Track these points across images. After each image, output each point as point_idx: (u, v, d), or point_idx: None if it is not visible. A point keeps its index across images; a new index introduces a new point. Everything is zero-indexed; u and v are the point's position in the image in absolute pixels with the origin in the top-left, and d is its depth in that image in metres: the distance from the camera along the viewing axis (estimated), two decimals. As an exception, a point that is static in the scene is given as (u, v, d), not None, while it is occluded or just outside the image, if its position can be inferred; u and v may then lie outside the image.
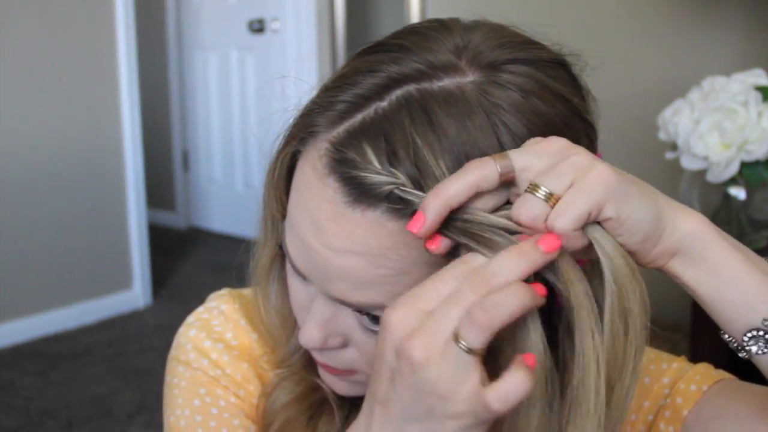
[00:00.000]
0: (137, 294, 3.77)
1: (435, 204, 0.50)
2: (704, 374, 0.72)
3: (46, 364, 3.13)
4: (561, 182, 0.50)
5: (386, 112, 0.55)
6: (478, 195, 0.51)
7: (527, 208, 0.50)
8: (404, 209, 0.53)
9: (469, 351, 0.46)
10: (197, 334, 0.77)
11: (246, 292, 0.80)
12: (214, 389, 0.74)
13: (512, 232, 0.50)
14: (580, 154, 0.51)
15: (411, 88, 0.55)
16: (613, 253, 0.50)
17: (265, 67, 4.52)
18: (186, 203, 5.16)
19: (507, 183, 0.51)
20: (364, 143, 0.54)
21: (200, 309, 0.80)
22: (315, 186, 0.57)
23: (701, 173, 1.72)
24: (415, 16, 3.51)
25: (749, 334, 0.52)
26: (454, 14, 0.63)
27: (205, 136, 4.97)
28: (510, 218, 0.51)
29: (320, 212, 0.56)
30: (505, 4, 3.03)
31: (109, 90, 3.57)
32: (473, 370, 0.46)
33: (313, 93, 0.62)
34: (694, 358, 0.75)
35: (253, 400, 0.75)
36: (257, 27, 4.47)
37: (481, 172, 0.50)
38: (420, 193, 0.52)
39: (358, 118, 0.56)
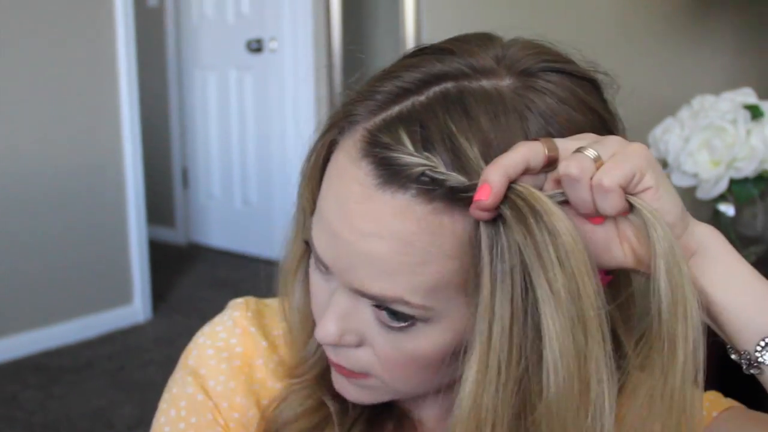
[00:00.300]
0: (137, 309, 3.77)
1: (498, 174, 0.51)
2: (714, 401, 0.71)
3: (47, 377, 3.13)
4: (605, 151, 0.53)
5: (423, 104, 0.56)
6: (525, 172, 0.53)
7: (578, 161, 0.52)
8: (435, 190, 0.54)
9: None
10: (204, 341, 0.77)
11: (268, 301, 0.80)
12: (194, 404, 0.73)
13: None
14: (617, 136, 0.54)
15: (449, 84, 0.57)
16: (656, 216, 0.52)
17: (263, 86, 4.55)
18: (185, 219, 5.17)
19: (551, 164, 0.53)
20: (399, 129, 0.55)
21: (216, 316, 0.80)
22: (347, 170, 0.57)
23: (691, 190, 1.71)
24: (410, 37, 3.55)
25: (762, 342, 0.53)
26: (449, 32, 0.64)
27: (204, 154, 4.99)
28: (558, 178, 0.53)
29: (350, 195, 0.57)
30: (499, 28, 3.08)
31: (110, 108, 3.60)
32: None
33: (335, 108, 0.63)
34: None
35: (234, 414, 0.73)
36: (255, 47, 4.50)
37: (531, 149, 0.52)
38: (453, 174, 0.53)
39: (396, 108, 0.57)
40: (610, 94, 0.64)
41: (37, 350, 3.37)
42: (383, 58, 0.64)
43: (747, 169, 1.61)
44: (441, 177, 0.53)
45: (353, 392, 0.67)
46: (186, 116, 5.06)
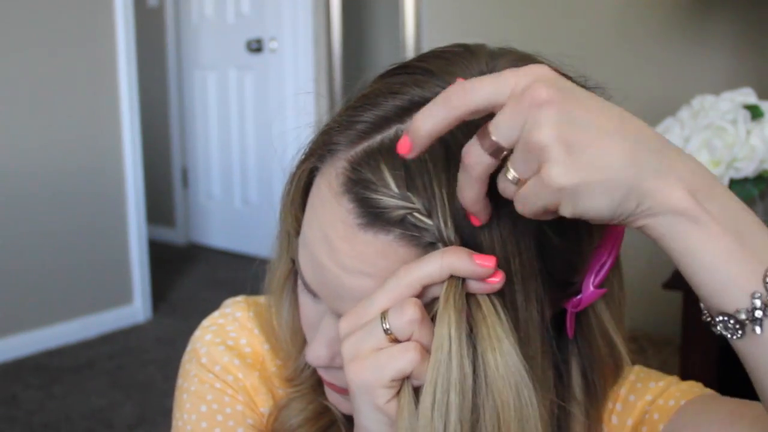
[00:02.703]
0: (137, 308, 3.78)
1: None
2: (686, 390, 0.70)
3: (48, 377, 3.14)
4: (527, 169, 0.47)
5: None
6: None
7: (502, 189, 0.49)
8: (418, 237, 0.53)
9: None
10: (212, 338, 0.77)
11: (262, 300, 0.80)
12: (222, 396, 0.74)
13: None
14: (547, 127, 0.46)
15: None
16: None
17: (263, 85, 4.56)
18: (185, 219, 5.18)
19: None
20: (381, 164, 0.54)
21: (216, 314, 0.80)
22: (330, 204, 0.56)
23: (691, 189, 1.72)
24: (410, 37, 3.56)
25: (719, 318, 0.49)
26: (449, 36, 0.63)
27: (204, 154, 5.01)
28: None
29: (334, 231, 0.56)
30: (499, 27, 3.09)
31: (110, 108, 3.61)
32: None
33: (335, 110, 0.61)
34: (684, 373, 0.73)
35: (261, 409, 0.75)
36: (255, 47, 4.51)
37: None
38: (432, 224, 0.52)
39: (378, 138, 0.55)
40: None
41: (38, 350, 3.38)
42: (383, 58, 0.63)
43: (747, 169, 1.62)
44: (422, 226, 0.53)
45: (348, 407, 0.66)
46: (186, 116, 5.07)
